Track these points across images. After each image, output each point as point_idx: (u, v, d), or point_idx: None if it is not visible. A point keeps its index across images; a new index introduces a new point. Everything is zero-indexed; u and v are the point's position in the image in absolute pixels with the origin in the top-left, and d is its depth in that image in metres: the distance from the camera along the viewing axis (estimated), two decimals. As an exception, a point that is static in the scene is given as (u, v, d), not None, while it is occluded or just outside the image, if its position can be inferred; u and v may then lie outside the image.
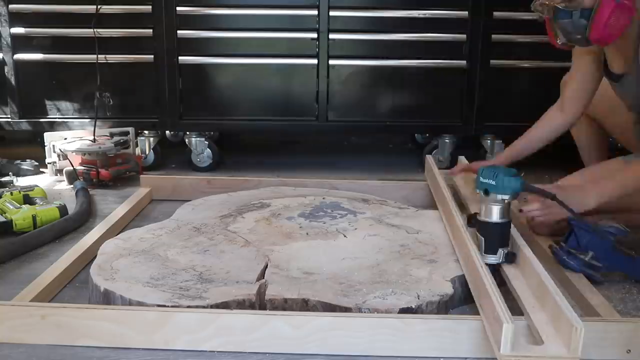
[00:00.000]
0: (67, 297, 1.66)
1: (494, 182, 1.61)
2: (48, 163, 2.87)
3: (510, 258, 1.62)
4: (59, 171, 2.81)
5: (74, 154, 2.72)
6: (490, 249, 1.62)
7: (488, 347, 1.30)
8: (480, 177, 1.63)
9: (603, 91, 2.00)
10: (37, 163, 2.92)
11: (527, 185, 1.64)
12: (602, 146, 2.34)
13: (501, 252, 1.62)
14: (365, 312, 1.42)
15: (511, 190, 1.60)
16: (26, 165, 2.89)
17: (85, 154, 2.71)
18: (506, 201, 1.62)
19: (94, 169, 2.66)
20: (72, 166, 2.67)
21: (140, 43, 2.80)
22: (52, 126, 2.93)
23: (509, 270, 1.59)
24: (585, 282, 1.64)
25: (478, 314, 1.57)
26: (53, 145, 2.83)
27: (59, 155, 2.81)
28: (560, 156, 3.20)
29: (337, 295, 1.46)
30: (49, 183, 2.74)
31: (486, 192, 1.63)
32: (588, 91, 2.02)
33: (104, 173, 2.66)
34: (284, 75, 2.78)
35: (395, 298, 1.46)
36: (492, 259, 1.62)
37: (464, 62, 2.84)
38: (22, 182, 2.69)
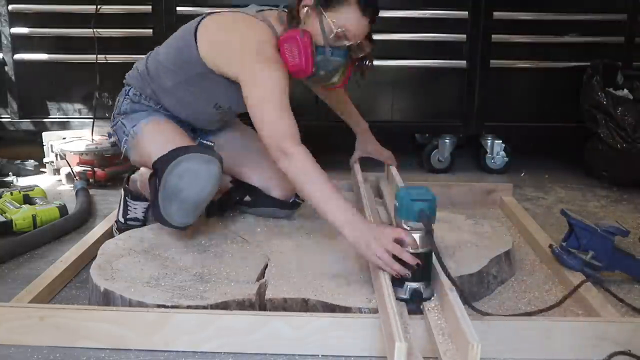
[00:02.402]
0: (67, 297, 1.66)
1: (397, 204, 1.42)
2: (46, 163, 2.87)
3: (417, 297, 1.38)
4: (57, 171, 2.81)
5: (72, 154, 2.72)
6: (396, 280, 1.39)
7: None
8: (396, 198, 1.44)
9: None
10: (37, 163, 2.92)
11: (424, 214, 1.36)
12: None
13: (407, 286, 1.38)
14: (365, 312, 1.41)
15: (413, 219, 1.37)
16: (26, 165, 2.89)
17: (82, 154, 2.71)
18: (409, 228, 1.39)
19: (91, 169, 2.66)
20: (70, 166, 2.67)
21: (140, 43, 2.80)
22: (52, 126, 2.93)
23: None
24: (585, 282, 1.64)
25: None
26: (51, 145, 2.83)
27: (57, 155, 2.81)
28: (561, 156, 3.21)
29: (338, 295, 1.46)
30: (50, 183, 2.74)
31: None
32: None
33: (99, 173, 2.66)
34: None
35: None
36: (399, 293, 1.39)
37: (464, 62, 2.84)
38: (22, 182, 2.69)
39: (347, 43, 1.72)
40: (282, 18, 1.78)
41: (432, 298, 1.40)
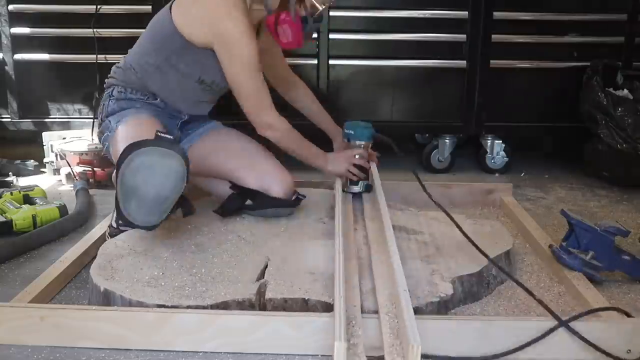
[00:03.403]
0: (67, 297, 1.66)
1: (352, 132, 2.14)
2: (46, 163, 2.87)
3: (368, 189, 2.12)
4: (57, 171, 2.81)
5: (72, 154, 2.72)
6: (353, 181, 2.12)
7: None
8: (345, 129, 2.16)
9: None
10: (37, 163, 2.92)
11: (374, 134, 2.15)
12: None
13: (361, 183, 2.12)
14: (364, 312, 1.41)
15: (365, 138, 2.14)
16: (26, 165, 2.89)
17: (82, 154, 2.71)
18: (362, 146, 2.13)
19: (91, 169, 2.66)
20: (70, 166, 2.67)
21: (140, 43, 2.80)
22: (52, 126, 2.93)
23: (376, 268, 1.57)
24: (586, 282, 1.64)
25: (479, 314, 1.57)
26: (51, 145, 2.84)
27: (57, 155, 2.81)
28: (561, 156, 3.21)
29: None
30: (50, 183, 2.74)
31: (348, 140, 2.15)
32: None
33: (99, 173, 2.66)
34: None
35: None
36: (355, 189, 2.13)
37: (464, 62, 2.84)
38: (22, 182, 2.69)
39: (321, 9, 1.86)
40: None
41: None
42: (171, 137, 1.74)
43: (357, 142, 2.13)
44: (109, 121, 1.91)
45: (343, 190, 2.10)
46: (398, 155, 2.06)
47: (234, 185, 2.01)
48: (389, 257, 1.53)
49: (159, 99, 1.95)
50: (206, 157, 2.02)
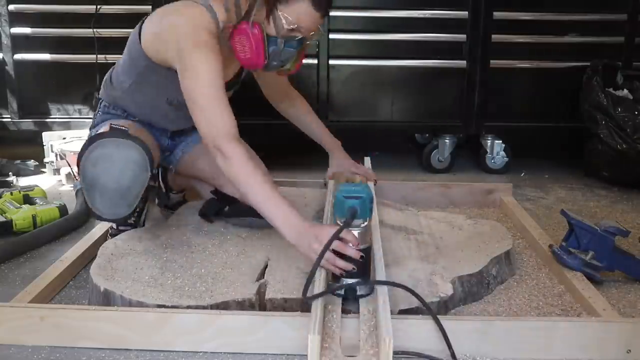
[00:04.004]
0: (67, 297, 1.66)
1: (334, 203, 1.44)
2: (46, 163, 2.88)
3: (349, 294, 1.40)
4: (57, 171, 2.81)
5: (72, 154, 2.72)
6: (334, 277, 1.43)
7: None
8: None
9: None
10: (37, 163, 2.92)
11: (352, 211, 1.38)
12: None
13: (343, 283, 1.40)
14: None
15: (341, 215, 1.40)
16: (26, 165, 2.89)
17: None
18: (357, 224, 1.41)
19: None
20: (70, 166, 2.67)
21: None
22: (52, 126, 2.93)
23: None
24: (586, 282, 1.64)
25: (479, 314, 1.57)
26: (51, 145, 2.84)
27: (57, 155, 2.81)
28: (561, 156, 3.21)
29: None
30: (50, 183, 2.74)
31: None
32: None
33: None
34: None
35: (395, 299, 1.46)
36: (336, 290, 1.41)
37: (464, 62, 2.84)
38: (22, 182, 2.69)
39: (299, 35, 1.68)
40: (228, 4, 1.68)
41: (369, 295, 1.40)
42: (126, 129, 1.73)
43: (339, 221, 1.41)
44: (95, 131, 1.90)
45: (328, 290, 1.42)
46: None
47: (216, 191, 1.99)
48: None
49: (137, 119, 1.90)
50: (195, 162, 2.00)
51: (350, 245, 1.38)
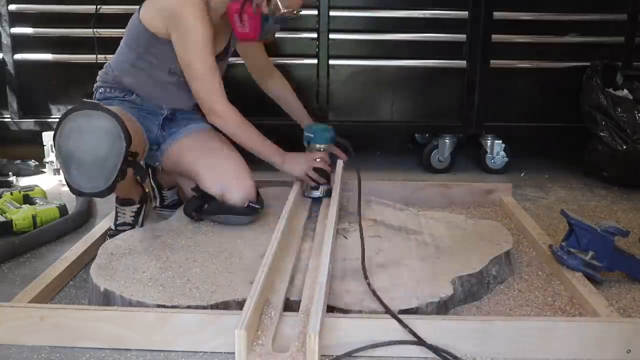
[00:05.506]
0: (67, 297, 1.66)
1: (312, 135, 2.10)
2: (46, 163, 2.88)
3: (329, 194, 2.03)
4: (57, 171, 2.81)
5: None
6: (314, 186, 2.08)
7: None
8: (305, 132, 2.14)
9: None
10: (37, 163, 2.92)
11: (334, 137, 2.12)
12: None
13: (322, 188, 2.07)
14: (365, 312, 1.41)
15: (325, 141, 2.11)
16: (26, 165, 2.89)
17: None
18: (322, 149, 2.10)
19: None
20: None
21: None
22: (53, 126, 2.92)
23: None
24: (586, 282, 1.64)
25: (479, 313, 1.57)
26: (51, 145, 2.83)
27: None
28: (561, 156, 3.21)
29: (337, 296, 1.46)
30: (50, 183, 2.73)
31: (308, 144, 2.11)
32: None
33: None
34: (284, 75, 2.77)
35: (395, 299, 1.46)
36: (316, 193, 2.08)
37: (464, 62, 2.84)
38: (22, 182, 2.69)
39: (289, 16, 1.93)
40: None
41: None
42: (97, 101, 1.79)
43: (318, 146, 2.11)
44: None
45: (303, 195, 2.11)
46: (351, 156, 2.12)
47: (196, 188, 1.98)
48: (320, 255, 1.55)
49: (134, 95, 1.97)
50: (181, 157, 2.00)
51: (326, 165, 2.07)
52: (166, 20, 1.84)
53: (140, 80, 1.96)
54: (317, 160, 2.05)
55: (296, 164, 2.02)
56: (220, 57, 2.01)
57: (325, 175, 2.08)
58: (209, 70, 1.84)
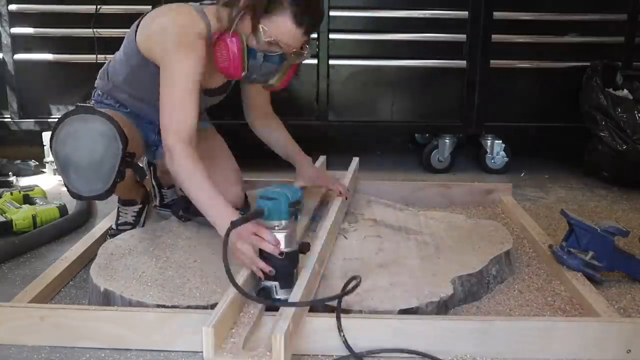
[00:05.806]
0: (67, 297, 1.66)
1: (265, 210, 1.39)
2: (46, 163, 2.88)
3: (263, 295, 1.39)
4: (57, 171, 2.81)
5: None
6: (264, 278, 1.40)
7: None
8: (257, 201, 1.41)
9: None
10: (37, 163, 2.92)
11: (259, 212, 1.38)
12: None
13: (261, 283, 1.40)
14: (365, 312, 1.41)
15: (285, 217, 1.37)
16: (26, 165, 2.89)
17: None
18: (281, 227, 1.38)
19: None
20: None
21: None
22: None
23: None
24: (586, 282, 1.64)
25: (479, 313, 1.57)
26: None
27: (57, 155, 2.81)
28: (561, 156, 3.21)
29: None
30: (50, 183, 2.74)
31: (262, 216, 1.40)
32: None
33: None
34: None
35: (395, 299, 1.46)
36: (264, 284, 1.40)
37: (464, 62, 2.84)
38: (22, 182, 2.69)
39: (279, 51, 1.68)
40: (220, 13, 1.68)
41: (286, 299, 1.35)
42: (90, 105, 1.75)
43: (275, 224, 1.39)
44: None
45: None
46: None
47: None
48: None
49: (129, 109, 1.90)
50: None
51: (270, 245, 1.37)
52: (157, 49, 1.68)
53: (131, 99, 1.87)
54: (270, 246, 1.37)
55: (238, 247, 1.41)
56: (219, 89, 1.90)
57: (276, 268, 1.39)
58: (174, 109, 1.61)
